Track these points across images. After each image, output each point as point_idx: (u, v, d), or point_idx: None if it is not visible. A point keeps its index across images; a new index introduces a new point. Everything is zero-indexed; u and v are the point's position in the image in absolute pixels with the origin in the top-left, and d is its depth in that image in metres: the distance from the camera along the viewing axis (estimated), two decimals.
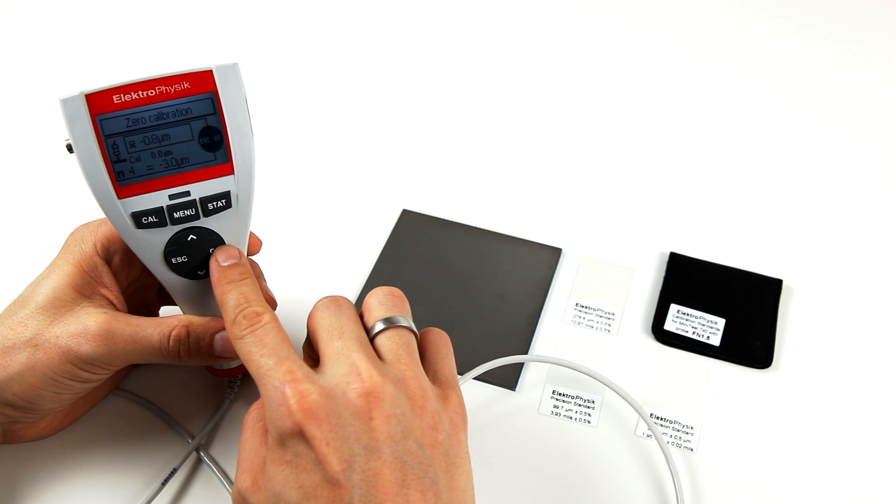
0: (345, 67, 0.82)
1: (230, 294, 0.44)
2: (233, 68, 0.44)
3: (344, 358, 0.40)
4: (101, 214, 0.45)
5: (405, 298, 0.45)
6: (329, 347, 0.41)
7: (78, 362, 0.46)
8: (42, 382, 0.46)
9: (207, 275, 0.48)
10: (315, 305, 0.44)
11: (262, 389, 0.40)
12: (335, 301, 0.44)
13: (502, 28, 0.86)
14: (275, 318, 0.43)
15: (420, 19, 0.87)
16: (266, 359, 0.40)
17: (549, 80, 0.80)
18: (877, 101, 0.78)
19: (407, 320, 0.43)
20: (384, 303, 0.44)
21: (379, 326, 0.43)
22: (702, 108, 0.77)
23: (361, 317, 0.44)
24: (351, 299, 0.61)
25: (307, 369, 0.40)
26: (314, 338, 0.43)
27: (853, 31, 0.85)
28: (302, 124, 0.76)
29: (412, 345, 0.43)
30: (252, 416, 0.42)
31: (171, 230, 0.46)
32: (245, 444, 0.41)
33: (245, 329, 0.42)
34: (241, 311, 0.43)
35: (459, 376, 0.56)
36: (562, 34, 0.85)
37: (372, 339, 0.43)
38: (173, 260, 0.47)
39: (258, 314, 0.43)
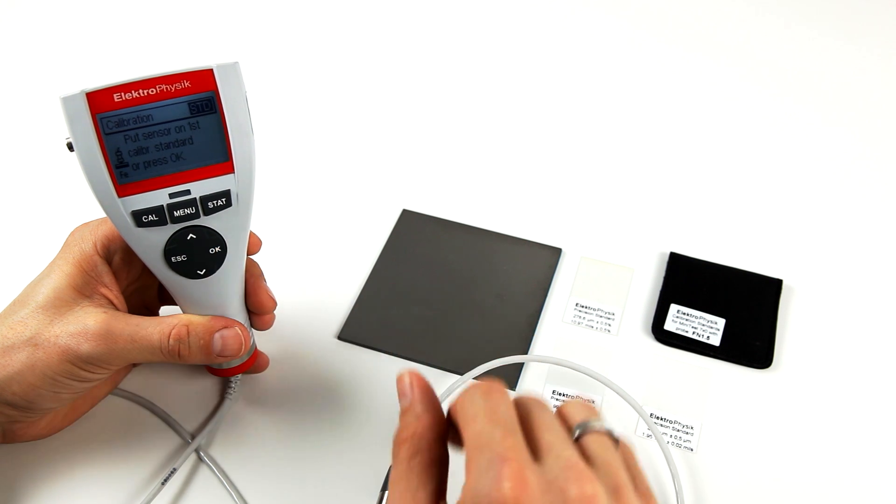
0: (345, 67, 0.82)
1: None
2: (233, 67, 0.44)
3: (557, 450, 0.36)
4: (102, 213, 0.45)
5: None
6: (542, 438, 0.36)
7: (77, 362, 0.46)
8: (41, 382, 0.46)
9: (207, 274, 0.48)
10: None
11: (473, 455, 0.35)
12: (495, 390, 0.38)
13: (502, 28, 0.86)
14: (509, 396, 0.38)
15: (420, 19, 0.87)
16: (494, 427, 0.36)
17: (549, 81, 0.80)
18: (877, 101, 0.78)
19: (607, 426, 0.39)
20: (581, 410, 0.39)
21: (583, 428, 0.38)
22: (701, 109, 0.77)
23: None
24: (349, 302, 0.61)
25: (529, 455, 0.35)
26: (525, 423, 0.38)
27: (854, 32, 0.85)
28: (302, 124, 0.76)
29: (618, 454, 0.38)
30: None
31: (171, 229, 0.46)
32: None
33: (481, 389, 0.38)
34: (482, 384, 0.38)
35: (459, 376, 0.57)
36: (562, 35, 0.85)
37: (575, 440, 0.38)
38: (173, 259, 0.47)
39: (497, 386, 0.38)
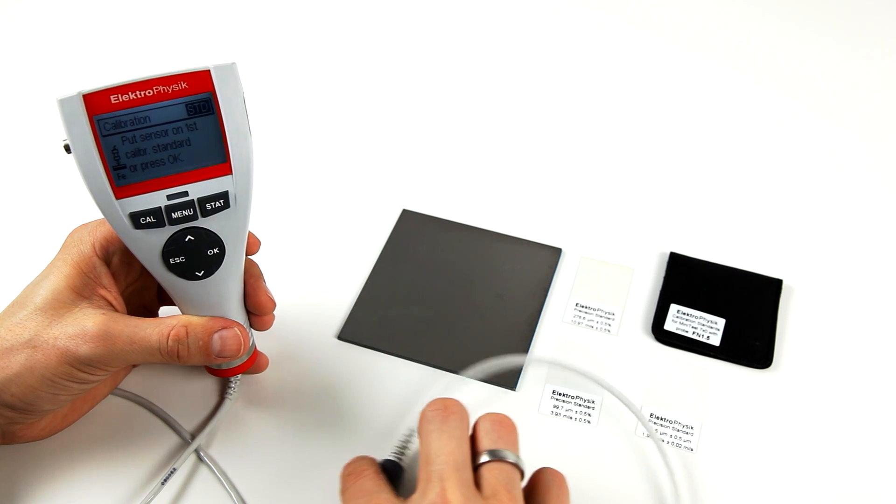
0: (345, 67, 0.82)
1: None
2: (230, 68, 0.44)
3: (434, 485, 0.40)
4: (100, 215, 0.45)
5: (515, 429, 0.44)
6: (424, 470, 0.41)
7: (76, 363, 0.46)
8: (40, 384, 0.46)
9: (206, 275, 0.48)
10: (423, 412, 0.44)
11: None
12: (444, 410, 0.44)
13: (502, 28, 0.86)
14: (374, 471, 0.45)
15: (420, 19, 0.87)
16: (361, 499, 0.43)
17: (549, 81, 0.80)
18: (877, 100, 0.78)
19: (514, 455, 0.43)
20: (490, 433, 0.43)
21: (483, 458, 0.42)
22: (702, 109, 0.77)
23: (474, 432, 0.44)
24: (349, 303, 0.61)
25: (395, 501, 0.42)
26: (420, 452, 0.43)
27: (854, 32, 0.85)
28: (301, 124, 0.76)
29: (514, 481, 0.42)
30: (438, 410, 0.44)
31: (169, 230, 0.46)
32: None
33: (347, 482, 0.45)
34: (349, 473, 0.45)
35: (457, 375, 0.57)
36: (561, 34, 0.85)
37: (475, 468, 0.42)
38: (171, 260, 0.47)
39: (363, 470, 0.45)
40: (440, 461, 0.41)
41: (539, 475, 0.44)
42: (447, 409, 0.44)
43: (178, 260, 0.47)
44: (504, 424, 0.44)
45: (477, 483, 0.41)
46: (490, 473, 0.41)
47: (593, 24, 0.86)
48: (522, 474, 0.43)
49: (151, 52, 0.83)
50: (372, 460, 0.46)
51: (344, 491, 0.45)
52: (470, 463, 0.42)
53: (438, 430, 0.42)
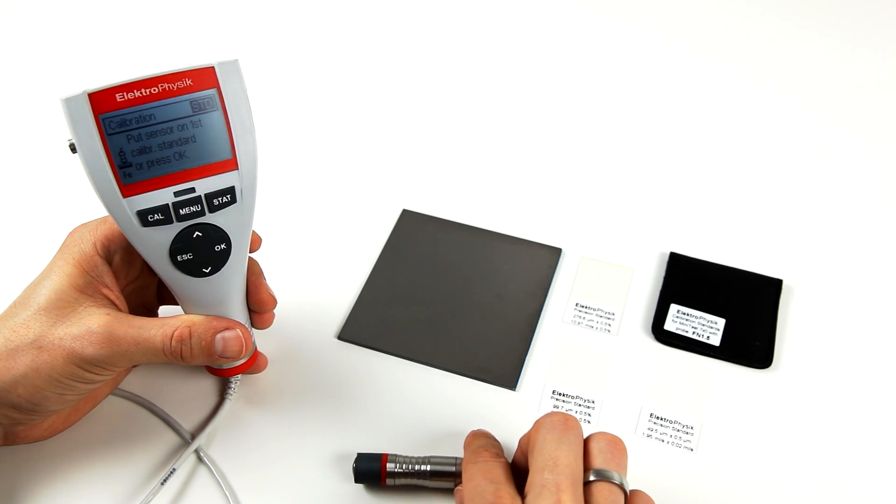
0: (345, 67, 0.81)
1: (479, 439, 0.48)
2: (234, 64, 0.45)
3: (550, 493, 0.41)
4: (102, 213, 0.45)
5: (626, 452, 0.45)
6: (539, 476, 0.42)
7: (82, 364, 0.46)
8: (47, 384, 0.46)
9: (213, 272, 0.48)
10: (542, 420, 0.45)
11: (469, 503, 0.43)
12: (564, 423, 0.44)
13: (502, 28, 0.86)
14: (506, 461, 0.46)
15: (420, 19, 0.87)
16: (488, 483, 0.43)
17: (549, 81, 0.80)
18: (877, 101, 0.78)
19: (621, 477, 0.43)
20: (603, 452, 0.44)
21: (591, 476, 0.43)
22: (702, 108, 0.77)
23: (585, 449, 0.44)
24: (349, 302, 0.61)
25: (517, 499, 0.42)
26: (530, 458, 0.44)
27: (854, 32, 0.85)
28: (302, 124, 0.76)
29: None
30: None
31: (176, 227, 0.46)
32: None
33: (481, 457, 0.46)
34: (485, 447, 0.47)
35: (454, 374, 0.57)
36: (561, 34, 0.85)
37: (584, 483, 0.43)
38: (179, 258, 0.47)
39: (498, 454, 0.46)
40: (558, 471, 0.42)
41: (635, 499, 0.44)
42: (568, 422, 0.44)
43: (185, 257, 0.47)
44: (618, 446, 0.44)
45: (585, 499, 0.42)
46: (600, 493, 0.42)
47: (593, 25, 0.87)
48: (626, 495, 0.43)
49: (155, 51, 0.83)
50: (501, 447, 0.48)
51: (472, 462, 0.45)
52: (582, 479, 0.43)
53: (559, 439, 0.43)
